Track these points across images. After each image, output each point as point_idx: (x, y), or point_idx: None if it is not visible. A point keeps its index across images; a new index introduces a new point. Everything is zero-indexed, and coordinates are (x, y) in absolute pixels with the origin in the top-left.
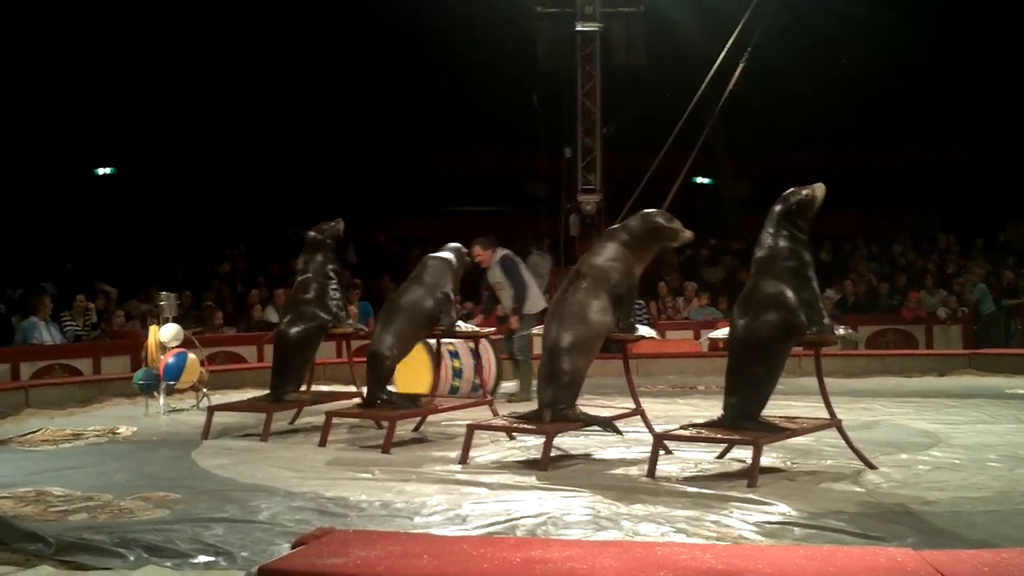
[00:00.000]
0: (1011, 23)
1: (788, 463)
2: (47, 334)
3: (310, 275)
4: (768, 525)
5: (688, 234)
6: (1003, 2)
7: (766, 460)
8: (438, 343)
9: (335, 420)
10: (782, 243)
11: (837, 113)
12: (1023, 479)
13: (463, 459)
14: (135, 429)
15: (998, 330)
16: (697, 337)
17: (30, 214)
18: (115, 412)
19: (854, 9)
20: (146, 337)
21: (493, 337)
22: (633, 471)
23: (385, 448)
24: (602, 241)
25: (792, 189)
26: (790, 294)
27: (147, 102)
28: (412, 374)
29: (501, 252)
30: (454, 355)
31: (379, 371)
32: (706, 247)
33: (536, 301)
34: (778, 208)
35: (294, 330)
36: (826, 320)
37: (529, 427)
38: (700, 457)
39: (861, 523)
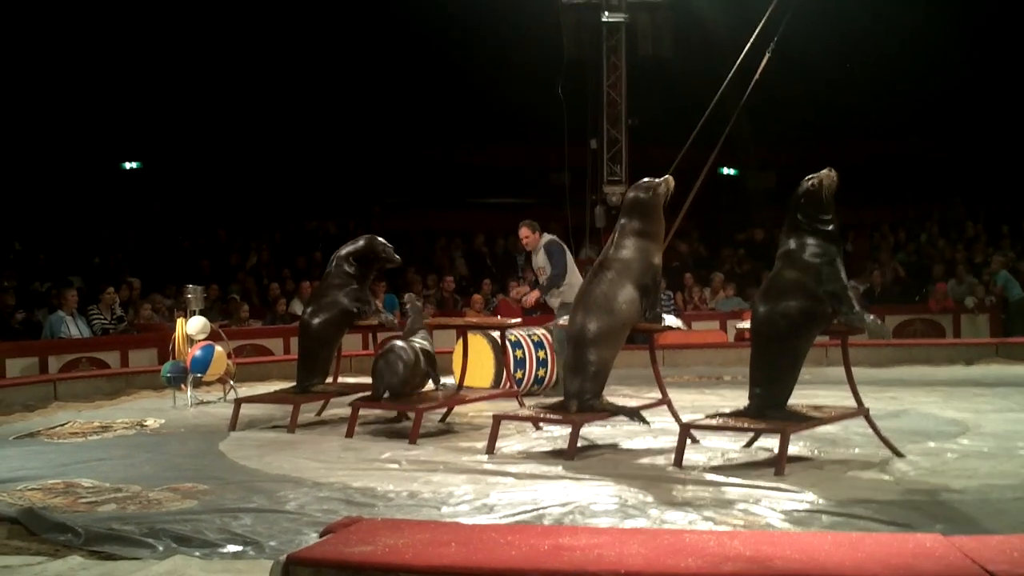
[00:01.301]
0: None
1: (815, 452)
2: (74, 328)
3: (335, 267)
4: (796, 513)
5: (667, 182)
6: None
7: (793, 449)
8: (502, 335)
9: (362, 411)
10: (797, 235)
11: (863, 103)
12: None
13: (490, 449)
14: (163, 421)
15: None
16: (723, 328)
17: (57, 209)
18: (143, 405)
19: None
20: (173, 330)
21: (551, 327)
22: (660, 460)
23: (412, 439)
24: (620, 233)
25: (805, 178)
26: (811, 282)
27: (173, 97)
28: (475, 366)
29: (548, 236)
30: (516, 345)
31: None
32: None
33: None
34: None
35: (318, 321)
36: (856, 309)
37: (555, 417)
38: (727, 446)
39: (889, 511)
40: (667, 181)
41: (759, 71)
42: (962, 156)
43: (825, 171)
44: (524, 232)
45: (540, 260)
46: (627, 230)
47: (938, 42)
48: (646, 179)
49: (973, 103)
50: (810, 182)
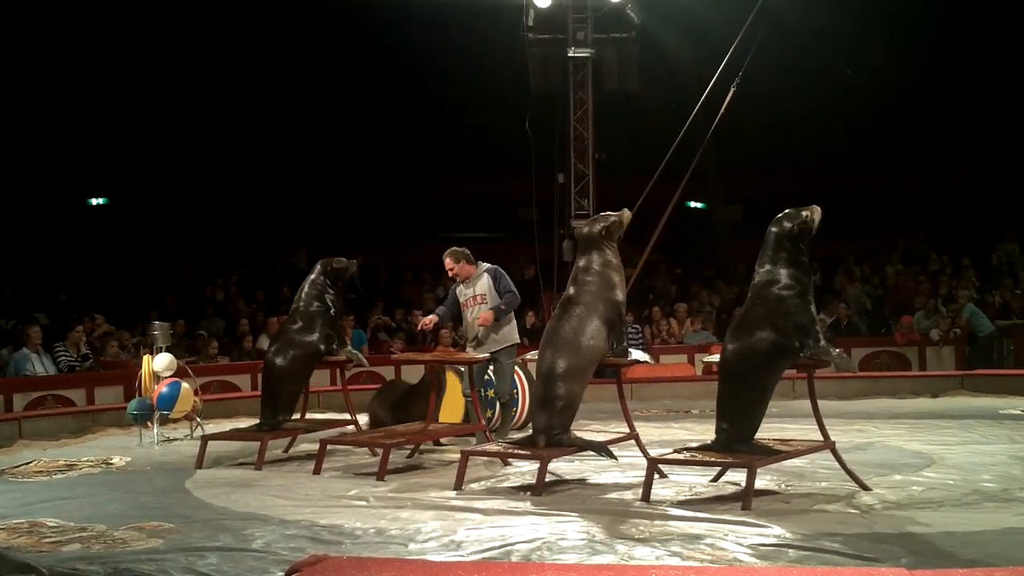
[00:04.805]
0: (1001, 47)
1: (782, 485)
2: (39, 365)
3: (303, 303)
4: (763, 547)
5: (622, 216)
6: (994, 27)
7: (760, 483)
8: (469, 371)
9: (329, 447)
10: (781, 267)
11: (829, 136)
12: (1016, 499)
13: (458, 485)
14: (129, 459)
15: (1000, 349)
16: (691, 361)
17: (23, 245)
18: (109, 442)
19: (846, 32)
20: (139, 367)
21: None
22: (628, 495)
23: (380, 475)
24: (583, 270)
25: (788, 211)
26: (782, 319)
27: (139, 132)
28: (445, 401)
29: (488, 264)
30: (490, 383)
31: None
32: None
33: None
34: (775, 231)
35: (280, 360)
36: (822, 343)
37: (524, 452)
38: (694, 481)
39: (855, 544)
40: (622, 215)
41: (724, 105)
42: (927, 189)
43: (815, 206)
44: (449, 263)
45: (481, 287)
46: (590, 266)
47: (902, 75)
48: (602, 213)
49: (937, 136)
50: (804, 214)
